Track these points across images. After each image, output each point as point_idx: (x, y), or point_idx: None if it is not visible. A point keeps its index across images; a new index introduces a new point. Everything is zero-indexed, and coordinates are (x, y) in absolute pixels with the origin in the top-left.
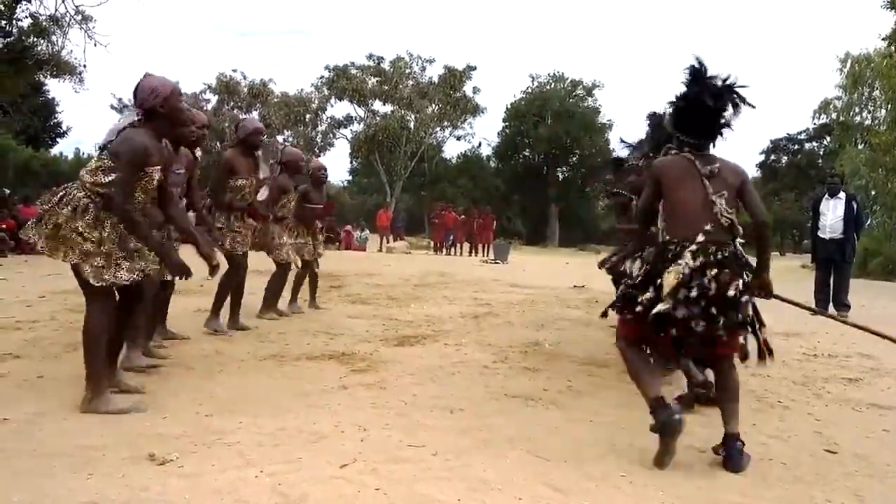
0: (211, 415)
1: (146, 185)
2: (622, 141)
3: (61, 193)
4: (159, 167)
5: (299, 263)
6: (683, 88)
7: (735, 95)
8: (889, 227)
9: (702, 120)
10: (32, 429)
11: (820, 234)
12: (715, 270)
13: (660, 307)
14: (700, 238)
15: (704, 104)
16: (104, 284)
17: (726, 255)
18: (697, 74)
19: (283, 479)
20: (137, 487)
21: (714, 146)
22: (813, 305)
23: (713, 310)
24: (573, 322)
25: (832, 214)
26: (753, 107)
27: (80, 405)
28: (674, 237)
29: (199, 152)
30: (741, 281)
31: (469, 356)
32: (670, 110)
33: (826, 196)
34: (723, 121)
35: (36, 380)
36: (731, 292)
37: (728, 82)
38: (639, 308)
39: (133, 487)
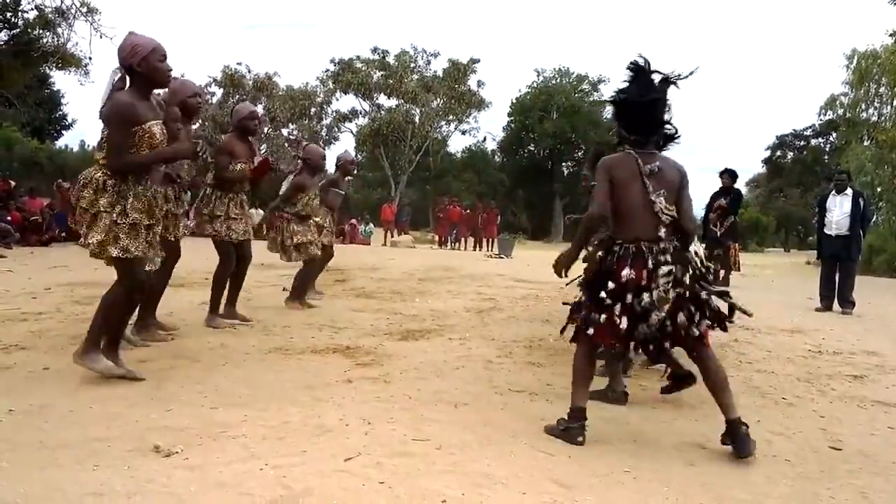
0: (216, 407)
1: (150, 141)
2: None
3: (82, 181)
4: (157, 122)
5: (318, 252)
6: (626, 90)
7: (665, 94)
8: (895, 224)
9: (640, 117)
10: (38, 420)
11: (826, 230)
12: (667, 268)
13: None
14: (652, 240)
15: (639, 102)
16: (128, 257)
17: (671, 252)
18: (637, 70)
19: (288, 472)
20: (143, 479)
21: (660, 144)
22: (819, 303)
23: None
24: None
25: (839, 211)
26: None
27: (72, 356)
28: (618, 237)
29: (195, 124)
30: (689, 276)
31: (473, 351)
32: (612, 108)
33: (833, 193)
34: (663, 118)
35: (42, 371)
36: (681, 289)
37: (663, 78)
38: (604, 315)
39: (138, 479)
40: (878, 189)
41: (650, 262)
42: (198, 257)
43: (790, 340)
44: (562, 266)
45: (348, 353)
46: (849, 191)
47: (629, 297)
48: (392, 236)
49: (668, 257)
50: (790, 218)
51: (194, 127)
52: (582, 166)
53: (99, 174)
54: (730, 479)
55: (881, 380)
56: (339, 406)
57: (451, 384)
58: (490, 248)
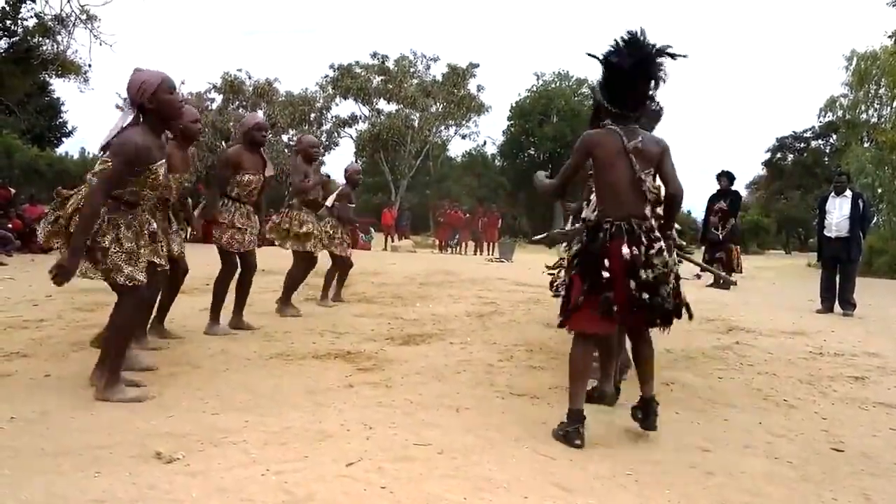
0: (217, 413)
1: (153, 182)
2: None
3: (72, 204)
4: (162, 163)
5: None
6: (615, 55)
7: (659, 65)
8: (895, 226)
9: (627, 87)
10: (40, 427)
11: (826, 232)
12: (657, 245)
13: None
14: (640, 217)
15: (628, 72)
16: (132, 284)
17: (655, 231)
18: (627, 41)
19: (290, 478)
20: (144, 486)
21: (637, 119)
22: (819, 304)
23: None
24: None
25: (838, 213)
26: (663, 80)
27: (94, 392)
28: (606, 216)
29: (191, 148)
30: (674, 254)
31: (475, 355)
32: (600, 78)
33: (832, 194)
34: (648, 91)
35: (43, 378)
36: (668, 264)
37: (657, 49)
38: (606, 293)
39: (140, 486)
40: (879, 190)
41: (643, 240)
42: (198, 264)
43: (791, 342)
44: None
45: (349, 358)
46: (848, 192)
47: (628, 275)
48: (392, 241)
49: (657, 234)
50: (791, 220)
51: (192, 150)
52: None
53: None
54: (731, 481)
55: (883, 381)
56: (340, 411)
57: (452, 388)
58: (491, 252)
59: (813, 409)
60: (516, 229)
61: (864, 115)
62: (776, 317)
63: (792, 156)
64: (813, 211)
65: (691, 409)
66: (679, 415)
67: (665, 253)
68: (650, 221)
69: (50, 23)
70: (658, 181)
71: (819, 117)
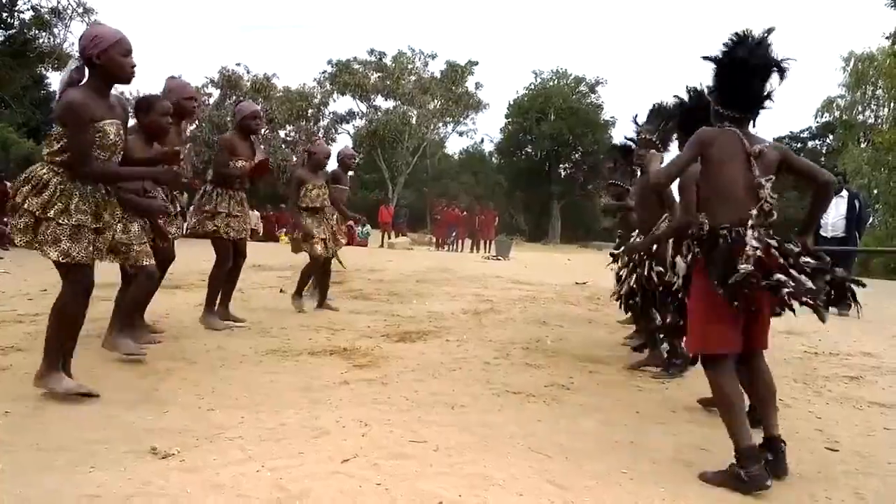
0: (212, 409)
1: (102, 141)
2: (634, 121)
3: (24, 176)
4: (113, 121)
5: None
6: (730, 54)
7: (782, 65)
8: (891, 226)
9: (751, 91)
10: (34, 422)
11: (822, 232)
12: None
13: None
14: (751, 223)
15: (756, 72)
16: (72, 262)
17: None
18: (746, 41)
19: (285, 474)
20: (139, 481)
21: (755, 124)
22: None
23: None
24: (575, 319)
25: (834, 213)
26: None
27: (33, 380)
28: (722, 222)
29: (189, 126)
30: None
31: (471, 352)
32: (712, 79)
33: None
34: (768, 93)
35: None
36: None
37: (772, 49)
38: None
39: (135, 481)
40: (875, 191)
41: (771, 243)
42: (194, 259)
43: (786, 342)
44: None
45: (345, 354)
46: (844, 192)
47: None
48: (389, 238)
49: (769, 241)
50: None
51: (191, 128)
52: (579, 168)
53: (44, 171)
54: None
55: (878, 381)
56: (336, 408)
57: (448, 386)
58: (487, 250)
59: (808, 408)
60: (513, 227)
61: (860, 116)
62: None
63: None
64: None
65: (687, 407)
66: (674, 413)
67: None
68: (765, 229)
69: (46, 15)
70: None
71: (816, 118)
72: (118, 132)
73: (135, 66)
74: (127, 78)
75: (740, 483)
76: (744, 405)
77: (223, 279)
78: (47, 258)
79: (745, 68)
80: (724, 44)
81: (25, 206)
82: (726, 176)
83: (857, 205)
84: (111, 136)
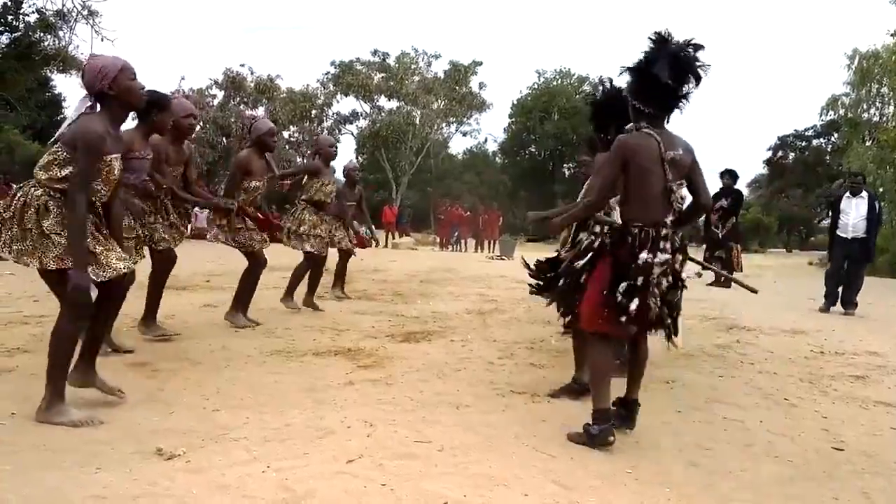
0: (218, 410)
1: (107, 175)
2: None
3: (20, 196)
4: (117, 155)
5: (325, 253)
6: (649, 53)
7: (699, 65)
8: None
9: (665, 89)
10: (41, 424)
11: (841, 233)
12: (680, 256)
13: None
14: (665, 225)
15: (671, 72)
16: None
17: (679, 240)
18: (665, 40)
19: (290, 475)
20: (145, 482)
21: (668, 120)
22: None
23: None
24: None
25: (855, 213)
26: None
27: (35, 413)
28: (635, 221)
29: (189, 144)
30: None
31: (475, 352)
32: (630, 78)
33: (847, 195)
34: (685, 92)
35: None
36: (684, 275)
37: (693, 49)
38: (625, 300)
39: (141, 482)
40: (881, 189)
41: (668, 247)
42: (199, 260)
43: (792, 341)
44: (553, 229)
45: (350, 355)
46: (864, 193)
47: (644, 281)
48: (393, 238)
49: (677, 243)
50: (792, 218)
51: (190, 147)
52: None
53: (39, 192)
54: (732, 479)
55: (883, 380)
56: (340, 408)
57: (452, 386)
58: (492, 250)
59: (814, 407)
60: (517, 227)
61: (865, 114)
62: (777, 315)
63: (793, 154)
64: (815, 210)
65: (692, 407)
66: (680, 413)
67: (685, 264)
68: (672, 229)
69: (51, 18)
70: (684, 190)
71: (821, 116)
72: (119, 167)
73: (143, 87)
74: (140, 102)
75: (590, 437)
76: (610, 376)
77: (255, 282)
78: (53, 280)
79: (664, 67)
80: (645, 46)
81: (35, 226)
82: (646, 181)
83: (876, 206)
84: (115, 172)
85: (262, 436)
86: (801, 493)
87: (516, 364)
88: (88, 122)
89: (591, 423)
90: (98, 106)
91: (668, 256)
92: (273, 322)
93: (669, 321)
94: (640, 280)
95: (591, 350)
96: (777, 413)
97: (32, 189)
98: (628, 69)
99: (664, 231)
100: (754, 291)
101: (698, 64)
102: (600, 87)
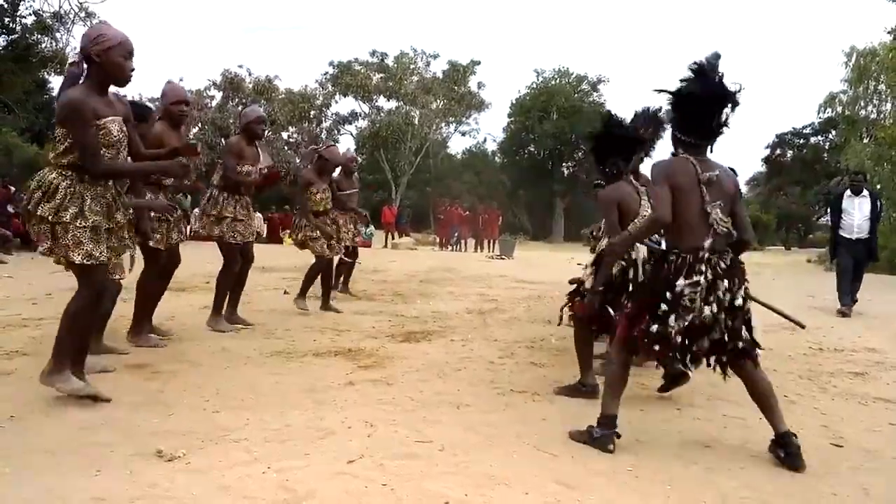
0: (218, 411)
1: (106, 139)
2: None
3: (34, 182)
4: (115, 118)
5: (335, 255)
6: (690, 84)
7: (735, 97)
8: (895, 221)
9: (707, 120)
10: (40, 426)
11: (846, 234)
12: (726, 282)
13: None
14: (704, 250)
15: (705, 97)
16: (93, 263)
17: (728, 263)
18: (700, 69)
19: (291, 476)
20: (145, 484)
21: (712, 150)
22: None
23: (728, 320)
24: None
25: (859, 213)
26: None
27: (38, 376)
28: (674, 247)
29: (190, 130)
30: (745, 287)
31: (475, 352)
32: (671, 107)
33: (848, 194)
34: (724, 121)
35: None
36: (738, 301)
37: (728, 80)
38: (659, 326)
39: (141, 484)
40: (878, 186)
41: (709, 274)
42: (198, 261)
43: (791, 338)
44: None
45: (350, 355)
46: (866, 193)
47: (686, 309)
48: (393, 238)
49: (724, 269)
50: (790, 216)
51: (194, 130)
52: (581, 166)
53: (52, 175)
54: (732, 477)
55: (882, 377)
56: (341, 409)
57: (453, 385)
58: (491, 250)
59: (813, 404)
60: (516, 226)
61: (863, 112)
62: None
63: (791, 152)
64: (813, 207)
65: (692, 405)
66: (680, 411)
67: (735, 294)
68: (717, 255)
69: (49, 20)
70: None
71: (818, 113)
72: (121, 129)
73: (134, 69)
74: (125, 80)
75: (591, 438)
76: (624, 387)
77: (231, 283)
78: (70, 262)
79: (702, 101)
80: (682, 78)
81: (38, 212)
82: (683, 205)
83: (878, 204)
84: (114, 134)
85: (263, 437)
86: (801, 489)
87: (517, 363)
88: (70, 93)
89: (596, 425)
90: (85, 74)
91: (700, 279)
92: (273, 323)
93: (733, 346)
94: (673, 307)
95: (617, 359)
96: None
97: (45, 172)
98: (669, 102)
99: (702, 255)
100: (802, 326)
101: (733, 89)
102: (639, 114)
